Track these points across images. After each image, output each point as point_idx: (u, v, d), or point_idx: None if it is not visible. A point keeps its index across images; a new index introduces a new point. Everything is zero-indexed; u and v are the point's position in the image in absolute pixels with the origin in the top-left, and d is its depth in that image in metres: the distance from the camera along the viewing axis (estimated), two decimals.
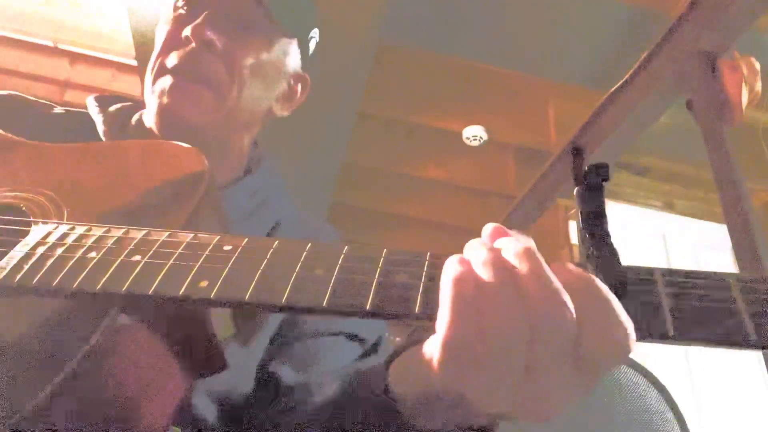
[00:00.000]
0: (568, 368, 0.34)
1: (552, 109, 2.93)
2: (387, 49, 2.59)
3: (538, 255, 0.36)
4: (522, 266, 0.35)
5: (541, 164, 2.80)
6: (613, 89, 2.28)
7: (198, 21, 0.71)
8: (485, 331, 0.34)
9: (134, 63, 2.72)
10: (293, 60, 0.82)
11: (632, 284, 0.37)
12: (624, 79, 2.22)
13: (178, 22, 0.74)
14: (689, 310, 0.36)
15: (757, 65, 1.92)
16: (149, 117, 0.74)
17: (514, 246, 0.37)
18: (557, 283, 0.34)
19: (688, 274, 0.37)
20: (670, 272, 0.38)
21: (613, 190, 3.09)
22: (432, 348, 0.37)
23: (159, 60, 0.73)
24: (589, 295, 0.35)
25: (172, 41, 0.73)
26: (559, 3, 2.45)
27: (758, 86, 1.90)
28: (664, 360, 2.58)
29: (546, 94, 2.91)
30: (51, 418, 0.37)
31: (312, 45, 0.86)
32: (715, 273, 0.37)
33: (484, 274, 0.35)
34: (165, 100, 0.70)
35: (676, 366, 2.64)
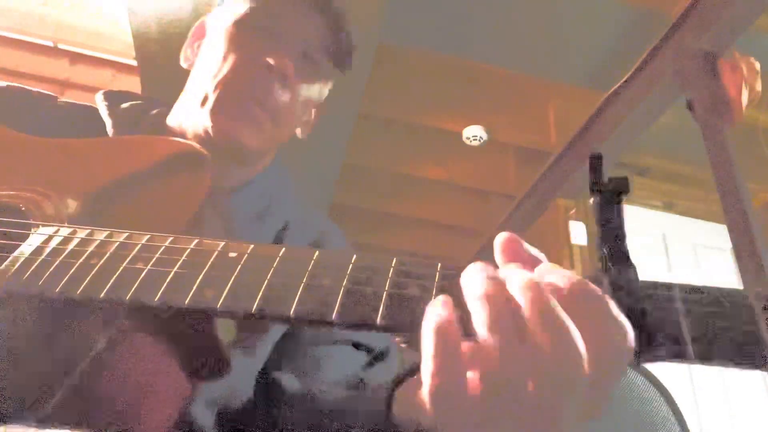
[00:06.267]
0: (579, 394, 0.32)
1: (552, 109, 2.93)
2: (387, 49, 2.59)
3: (545, 291, 0.33)
4: (525, 303, 0.33)
5: (541, 164, 2.80)
6: (613, 89, 2.28)
7: (282, 52, 0.71)
8: (483, 381, 0.32)
9: (134, 63, 2.72)
10: (326, 92, 0.85)
11: (650, 301, 0.36)
12: (624, 79, 2.22)
13: (253, 45, 0.72)
14: (707, 330, 0.34)
15: (757, 65, 1.92)
16: (193, 124, 0.72)
17: (518, 279, 0.34)
18: (566, 321, 0.32)
19: (708, 291, 0.36)
20: (691, 289, 0.36)
21: None
22: (422, 397, 0.35)
23: (227, 76, 0.71)
24: (584, 300, 0.33)
25: (247, 63, 0.71)
26: (559, 3, 2.45)
27: (758, 86, 1.90)
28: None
29: (546, 94, 2.91)
30: (56, 417, 0.37)
31: None
32: (733, 290, 0.36)
33: (479, 310, 0.33)
34: (225, 118, 0.69)
35: (676, 366, 2.63)
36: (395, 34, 2.55)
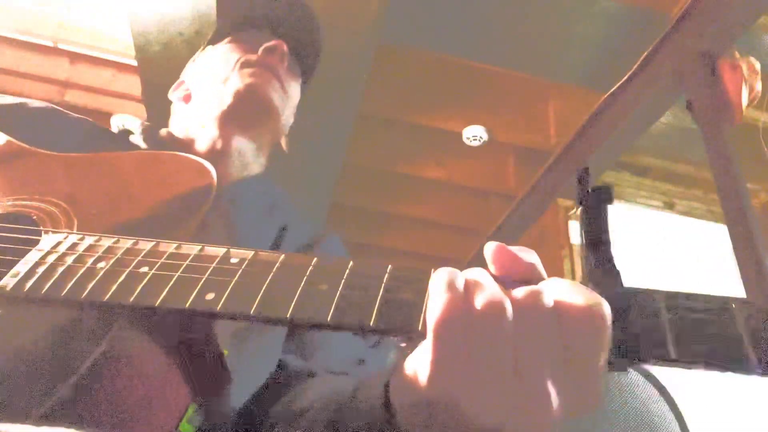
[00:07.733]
0: (557, 369, 0.35)
1: (552, 109, 2.93)
2: (387, 49, 2.59)
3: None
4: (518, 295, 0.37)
5: (541, 164, 2.80)
6: (613, 89, 2.28)
7: (274, 40, 0.90)
8: (472, 330, 0.35)
9: (134, 63, 2.72)
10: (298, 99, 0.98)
11: (634, 306, 0.37)
12: (624, 79, 2.22)
13: (251, 42, 0.91)
14: (690, 333, 0.36)
15: (757, 65, 1.92)
16: (218, 102, 0.85)
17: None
18: (540, 287, 0.37)
19: (689, 297, 0.37)
20: (672, 295, 0.38)
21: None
22: (423, 351, 0.37)
23: (242, 59, 0.88)
24: (565, 290, 0.36)
25: (254, 49, 0.89)
26: (559, 3, 2.45)
27: (758, 86, 1.90)
28: None
29: (546, 94, 2.91)
30: (55, 417, 0.38)
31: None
32: (717, 296, 0.37)
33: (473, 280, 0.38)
34: (252, 78, 0.85)
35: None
36: (395, 34, 2.55)
